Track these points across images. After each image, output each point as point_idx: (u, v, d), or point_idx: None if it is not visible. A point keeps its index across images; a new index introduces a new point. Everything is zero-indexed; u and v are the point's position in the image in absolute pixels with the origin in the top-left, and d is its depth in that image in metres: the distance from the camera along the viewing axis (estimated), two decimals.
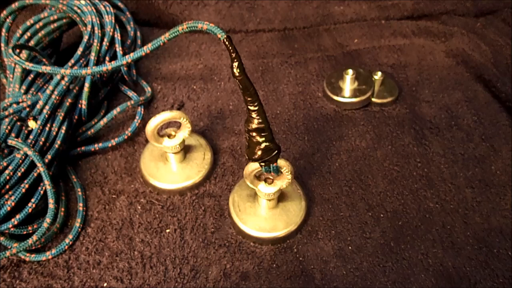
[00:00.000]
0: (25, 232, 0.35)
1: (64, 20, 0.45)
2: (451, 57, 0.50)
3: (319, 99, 0.46)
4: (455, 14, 0.56)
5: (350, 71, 0.45)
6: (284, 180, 0.34)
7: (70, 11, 0.44)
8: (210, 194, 0.39)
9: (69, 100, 0.40)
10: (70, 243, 0.36)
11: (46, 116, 0.38)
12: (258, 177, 0.34)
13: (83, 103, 0.42)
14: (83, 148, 0.41)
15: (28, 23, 0.43)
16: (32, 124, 0.37)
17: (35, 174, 0.35)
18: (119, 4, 0.53)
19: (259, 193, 0.35)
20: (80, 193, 0.38)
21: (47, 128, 0.38)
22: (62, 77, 0.39)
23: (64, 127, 0.39)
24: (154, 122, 0.36)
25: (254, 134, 0.30)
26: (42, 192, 0.35)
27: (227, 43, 0.27)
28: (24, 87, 0.41)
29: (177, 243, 0.36)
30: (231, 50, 0.27)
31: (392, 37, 0.53)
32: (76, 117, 0.41)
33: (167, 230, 0.37)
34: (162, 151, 0.40)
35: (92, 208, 0.38)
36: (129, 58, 0.31)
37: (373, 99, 0.45)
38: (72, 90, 0.41)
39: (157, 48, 0.31)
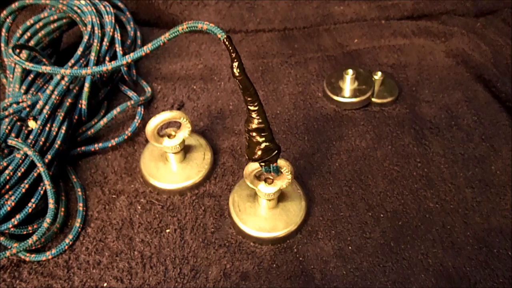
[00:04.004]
0: (25, 232, 0.35)
1: (64, 20, 0.45)
2: (451, 57, 0.50)
3: (319, 99, 0.46)
4: (455, 14, 0.56)
5: (350, 71, 0.45)
6: (284, 180, 0.34)
7: (70, 11, 0.44)
8: (210, 194, 0.39)
9: (69, 100, 0.40)
10: (70, 243, 0.36)
11: (46, 116, 0.38)
12: (258, 177, 0.34)
13: (83, 103, 0.42)
14: (83, 148, 0.41)
15: (28, 23, 0.43)
16: (32, 124, 0.37)
17: (35, 174, 0.35)
18: (119, 4, 0.53)
19: (259, 193, 0.35)
20: (80, 193, 0.38)
21: (47, 128, 0.38)
22: (62, 77, 0.39)
23: (64, 127, 0.39)
24: (154, 122, 0.36)
25: (254, 134, 0.30)
26: (42, 192, 0.35)
27: (227, 43, 0.27)
28: (24, 87, 0.41)
29: (177, 243, 0.36)
30: (231, 50, 0.27)
31: (392, 37, 0.53)
32: (76, 117, 0.41)
33: (167, 230, 0.37)
34: (162, 151, 0.40)
35: (92, 208, 0.38)
36: (129, 58, 0.31)
37: (373, 99, 0.45)
38: (72, 90, 0.41)
39: (157, 48, 0.31)
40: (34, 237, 0.33)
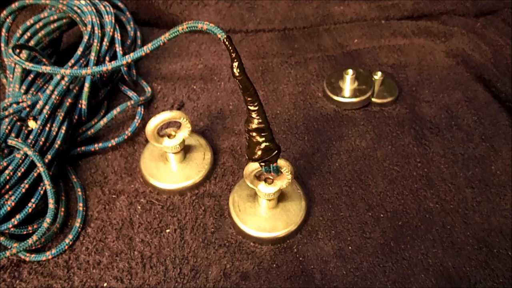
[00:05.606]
0: (25, 232, 0.35)
1: (64, 20, 0.45)
2: (451, 57, 0.50)
3: (319, 99, 0.46)
4: (455, 14, 0.56)
5: (350, 71, 0.45)
6: (284, 180, 0.34)
7: (70, 11, 0.44)
8: (210, 194, 0.39)
9: (69, 100, 0.40)
10: (70, 243, 0.36)
11: (46, 116, 0.38)
12: (258, 177, 0.34)
13: (83, 103, 0.42)
14: (83, 148, 0.41)
15: (28, 23, 0.43)
16: (32, 124, 0.37)
17: (35, 174, 0.35)
18: (119, 4, 0.53)
19: (259, 193, 0.35)
20: (80, 193, 0.38)
21: (47, 128, 0.38)
22: (62, 77, 0.39)
23: (64, 127, 0.39)
24: (154, 122, 0.36)
25: (254, 134, 0.30)
26: (42, 192, 0.35)
27: (227, 43, 0.27)
28: (24, 87, 0.41)
29: (177, 243, 0.36)
30: (231, 50, 0.27)
31: (392, 37, 0.53)
32: (76, 117, 0.41)
33: (167, 230, 0.37)
34: (162, 151, 0.40)
35: (92, 208, 0.38)
36: (129, 58, 0.31)
37: (373, 99, 0.45)
38: (72, 90, 0.41)
39: (157, 48, 0.31)
40: (34, 237, 0.33)
